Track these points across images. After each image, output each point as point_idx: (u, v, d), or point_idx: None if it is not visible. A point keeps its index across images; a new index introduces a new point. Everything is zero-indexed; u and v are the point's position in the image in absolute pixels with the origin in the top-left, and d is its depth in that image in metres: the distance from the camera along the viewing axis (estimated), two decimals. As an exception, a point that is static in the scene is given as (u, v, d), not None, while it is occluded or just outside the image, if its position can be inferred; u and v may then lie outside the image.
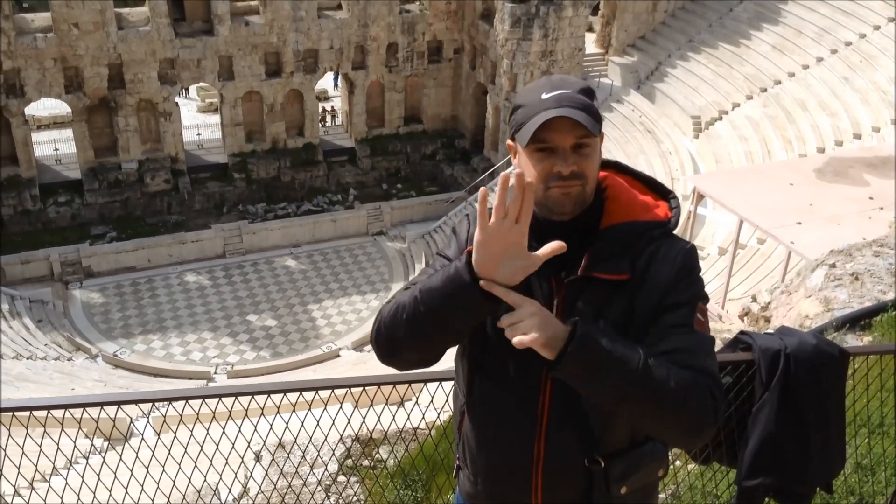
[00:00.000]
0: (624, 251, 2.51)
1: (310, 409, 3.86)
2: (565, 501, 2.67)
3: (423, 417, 4.22)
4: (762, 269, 21.29)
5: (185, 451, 3.63)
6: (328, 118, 40.94)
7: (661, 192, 2.69)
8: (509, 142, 2.57)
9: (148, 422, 7.97)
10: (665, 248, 2.53)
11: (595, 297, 2.48)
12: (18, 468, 3.86)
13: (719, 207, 19.72)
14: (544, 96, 2.43)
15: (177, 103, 35.73)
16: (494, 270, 2.27)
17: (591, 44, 37.39)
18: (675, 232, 2.62)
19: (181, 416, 3.54)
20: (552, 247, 2.26)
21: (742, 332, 3.58)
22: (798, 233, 14.71)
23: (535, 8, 33.58)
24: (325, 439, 4.43)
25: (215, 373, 25.93)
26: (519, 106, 2.51)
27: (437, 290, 2.38)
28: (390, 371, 2.82)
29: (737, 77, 32.92)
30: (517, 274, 2.28)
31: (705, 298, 2.56)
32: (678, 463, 5.20)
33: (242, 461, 4.73)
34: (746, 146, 29.77)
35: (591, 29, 37.67)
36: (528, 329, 2.23)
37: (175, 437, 3.73)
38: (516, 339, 2.24)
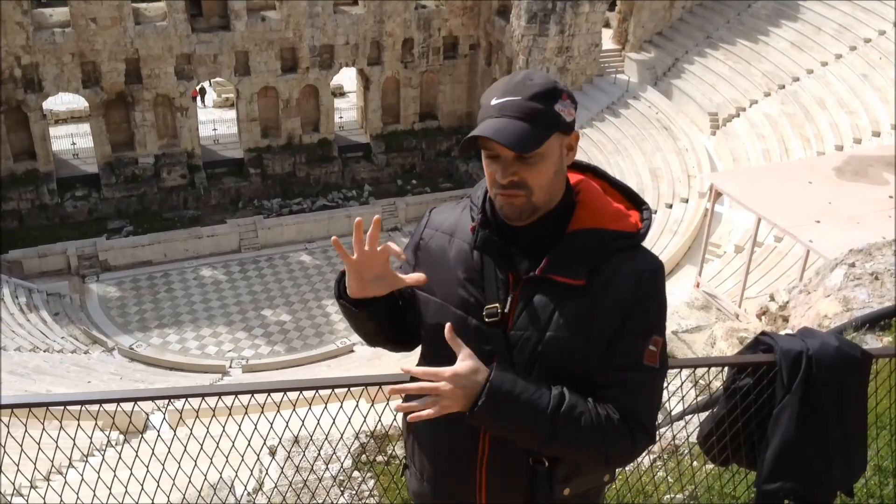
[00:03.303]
0: (585, 257, 2.49)
1: (325, 406, 3.85)
2: (509, 501, 2.68)
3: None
4: (779, 267, 21.15)
5: (201, 447, 3.63)
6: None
7: (636, 202, 2.66)
8: None
9: (164, 416, 7.99)
10: (631, 263, 2.51)
11: (549, 298, 2.49)
12: (35, 462, 3.87)
13: (736, 205, 19.58)
14: (493, 102, 2.40)
15: (193, 98, 35.88)
16: (365, 289, 2.66)
17: (607, 40, 37.17)
18: (649, 243, 2.62)
19: (197, 410, 3.54)
20: (414, 277, 2.62)
21: (763, 333, 3.53)
22: (817, 232, 14.58)
23: (552, 4, 33.45)
24: (341, 435, 4.42)
25: (230, 367, 26.04)
26: (481, 104, 2.50)
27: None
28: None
29: (755, 74, 32.66)
30: (384, 289, 2.65)
31: (662, 333, 2.56)
32: (695, 464, 5.16)
33: (258, 457, 4.73)
34: (764, 144, 29.54)
35: (607, 25, 37.47)
36: (445, 405, 2.39)
37: (191, 432, 3.73)
38: (430, 412, 2.39)
